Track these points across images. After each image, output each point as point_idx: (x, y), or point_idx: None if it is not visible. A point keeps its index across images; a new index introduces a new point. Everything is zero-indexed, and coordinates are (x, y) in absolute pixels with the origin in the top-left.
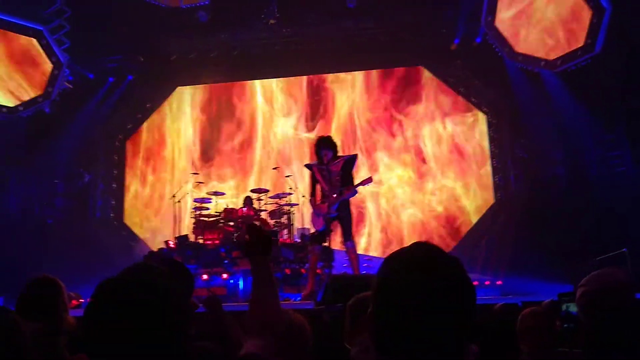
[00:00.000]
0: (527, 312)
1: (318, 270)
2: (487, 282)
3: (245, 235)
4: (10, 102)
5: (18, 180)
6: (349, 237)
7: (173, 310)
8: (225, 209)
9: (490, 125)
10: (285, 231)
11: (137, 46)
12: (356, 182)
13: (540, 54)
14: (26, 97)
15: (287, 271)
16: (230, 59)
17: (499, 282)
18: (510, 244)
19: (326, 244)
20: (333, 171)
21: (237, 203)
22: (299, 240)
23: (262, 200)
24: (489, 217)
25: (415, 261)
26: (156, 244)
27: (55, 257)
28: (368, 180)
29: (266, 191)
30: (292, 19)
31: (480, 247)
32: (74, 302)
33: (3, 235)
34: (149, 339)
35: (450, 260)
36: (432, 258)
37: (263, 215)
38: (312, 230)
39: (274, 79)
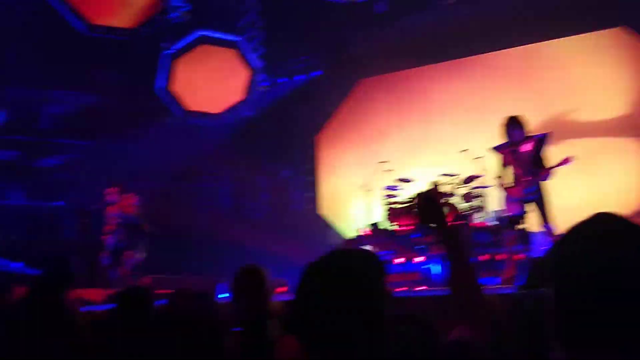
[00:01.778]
0: None
1: (516, 256)
2: None
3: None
4: (215, 110)
5: (229, 179)
6: (547, 220)
7: (373, 291)
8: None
9: None
10: (479, 214)
11: (321, 44)
12: (551, 163)
13: None
14: (229, 104)
15: (484, 257)
16: (412, 45)
17: None
18: None
19: (523, 226)
20: (524, 152)
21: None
22: (493, 224)
23: (451, 184)
24: None
25: (601, 234)
26: (351, 233)
27: (263, 247)
28: (566, 161)
29: (456, 175)
30: None
31: None
32: (280, 289)
33: (219, 228)
34: (352, 318)
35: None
36: (620, 229)
37: (454, 199)
38: (506, 215)
39: (461, 59)
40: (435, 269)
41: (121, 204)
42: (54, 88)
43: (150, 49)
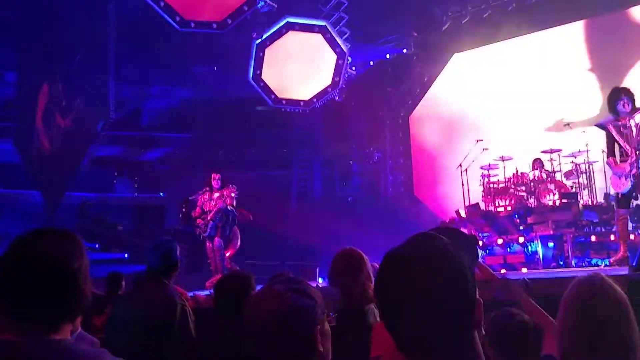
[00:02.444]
0: None
1: (627, 236)
2: None
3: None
4: (305, 95)
5: (320, 165)
6: None
7: (460, 275)
8: (514, 173)
9: None
10: (586, 192)
11: (410, 22)
12: None
13: None
14: (318, 89)
15: (594, 238)
16: (506, 16)
17: None
18: None
19: (637, 202)
20: (633, 126)
21: (526, 167)
22: (603, 202)
23: (554, 160)
24: None
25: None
26: (447, 214)
27: (358, 231)
28: None
29: (558, 151)
30: None
31: None
32: None
33: (312, 214)
34: (438, 303)
35: None
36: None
37: (557, 176)
38: (614, 192)
39: (561, 26)
40: (542, 250)
41: (221, 192)
42: (152, 85)
43: (241, 39)
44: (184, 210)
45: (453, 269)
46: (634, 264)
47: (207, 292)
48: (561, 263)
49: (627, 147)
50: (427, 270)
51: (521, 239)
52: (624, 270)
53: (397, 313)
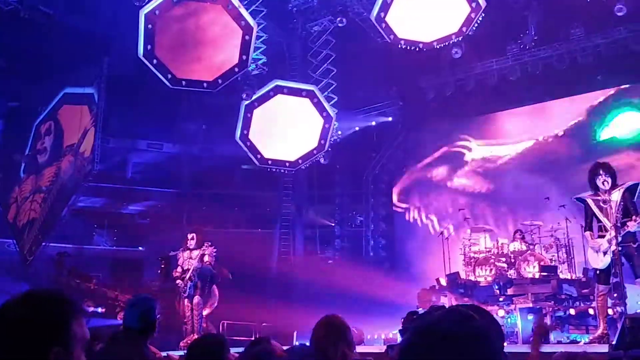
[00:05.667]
0: None
1: (609, 311)
2: None
3: None
4: (291, 157)
5: (303, 226)
6: (638, 274)
7: (494, 353)
8: (495, 244)
9: None
10: (565, 266)
11: (396, 90)
12: None
13: None
14: (304, 151)
15: (572, 311)
16: (488, 89)
17: None
18: None
19: (616, 279)
20: (612, 201)
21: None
22: (581, 276)
23: (535, 234)
24: None
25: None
26: (427, 283)
27: (338, 294)
28: None
29: (538, 224)
30: (552, 37)
31: None
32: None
33: (292, 275)
34: None
35: None
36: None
37: (537, 249)
38: (594, 267)
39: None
40: (521, 324)
41: (201, 251)
42: (140, 138)
43: (230, 99)
44: (162, 266)
45: (492, 352)
46: (614, 343)
47: (180, 353)
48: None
49: (607, 222)
50: (470, 346)
51: (501, 312)
52: (604, 348)
53: None
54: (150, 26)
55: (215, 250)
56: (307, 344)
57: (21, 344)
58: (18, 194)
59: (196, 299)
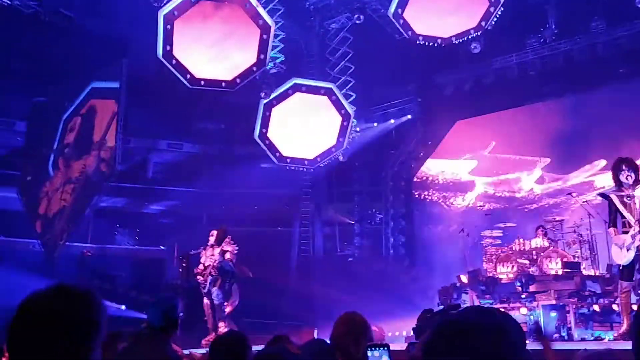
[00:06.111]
0: None
1: (634, 306)
2: None
3: None
4: (309, 155)
5: (322, 223)
6: None
7: (519, 346)
8: (517, 240)
9: None
10: (588, 262)
11: (414, 86)
12: None
13: None
14: (322, 149)
15: (597, 308)
16: (508, 84)
17: None
18: None
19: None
20: (636, 197)
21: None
22: (605, 272)
23: (557, 229)
24: None
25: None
26: (448, 280)
27: (358, 292)
28: None
29: (561, 220)
30: (573, 30)
31: None
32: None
33: (312, 273)
34: None
35: None
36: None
37: (559, 245)
38: (617, 263)
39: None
40: (543, 320)
41: (222, 248)
42: (160, 138)
43: (249, 98)
44: (184, 265)
45: (514, 342)
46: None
47: (203, 350)
48: (564, 334)
49: (630, 218)
50: (492, 338)
51: (524, 310)
52: (629, 345)
53: None
54: (169, 27)
55: (237, 247)
56: (328, 341)
57: (56, 339)
58: (49, 188)
59: (215, 291)
